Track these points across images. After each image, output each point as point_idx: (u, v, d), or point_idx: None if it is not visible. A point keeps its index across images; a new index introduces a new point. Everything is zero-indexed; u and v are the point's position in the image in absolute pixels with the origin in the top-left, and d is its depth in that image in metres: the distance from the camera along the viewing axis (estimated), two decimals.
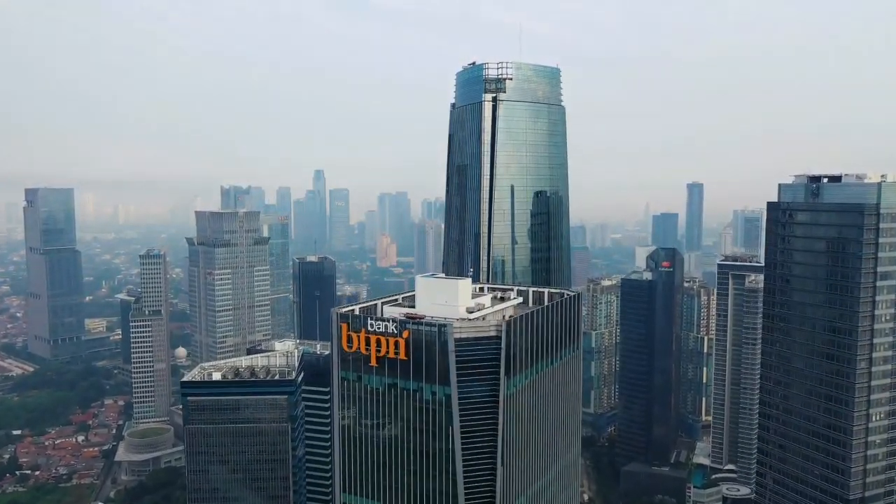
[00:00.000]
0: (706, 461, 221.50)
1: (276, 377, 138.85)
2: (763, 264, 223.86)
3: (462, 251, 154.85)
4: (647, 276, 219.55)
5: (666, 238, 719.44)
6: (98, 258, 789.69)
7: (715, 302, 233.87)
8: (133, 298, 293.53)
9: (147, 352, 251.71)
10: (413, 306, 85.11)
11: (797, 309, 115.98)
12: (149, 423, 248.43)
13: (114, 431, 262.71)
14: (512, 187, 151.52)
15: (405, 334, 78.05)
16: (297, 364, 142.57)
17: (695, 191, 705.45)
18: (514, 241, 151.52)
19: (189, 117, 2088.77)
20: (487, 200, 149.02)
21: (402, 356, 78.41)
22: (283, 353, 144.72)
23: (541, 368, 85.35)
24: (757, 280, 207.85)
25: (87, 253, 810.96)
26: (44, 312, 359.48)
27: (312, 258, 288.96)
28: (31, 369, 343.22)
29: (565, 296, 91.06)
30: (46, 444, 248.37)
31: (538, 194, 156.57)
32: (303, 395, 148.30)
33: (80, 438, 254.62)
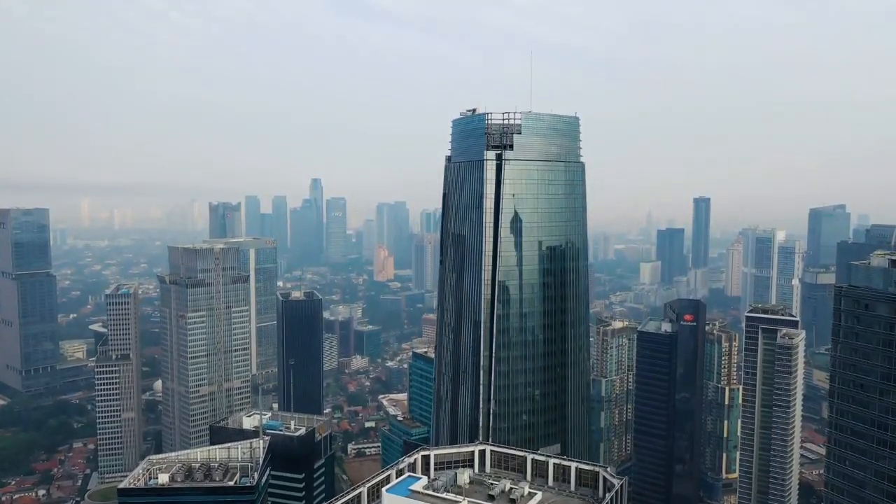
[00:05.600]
0: None
1: (237, 476, 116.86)
2: (797, 318, 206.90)
3: (459, 341, 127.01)
4: (666, 327, 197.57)
5: (672, 253, 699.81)
6: (88, 269, 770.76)
7: (739, 351, 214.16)
8: (107, 330, 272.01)
9: (113, 400, 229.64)
10: None
11: (873, 423, 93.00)
12: (115, 478, 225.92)
13: (79, 483, 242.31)
14: (520, 265, 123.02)
15: None
16: (261, 458, 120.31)
17: (702, 206, 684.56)
18: (523, 332, 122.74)
19: (187, 122, 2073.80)
20: (490, 283, 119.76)
21: None
22: (247, 446, 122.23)
23: None
24: (790, 335, 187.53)
25: (77, 263, 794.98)
26: (16, 341, 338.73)
27: (298, 294, 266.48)
28: (2, 403, 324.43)
29: (601, 483, 65.15)
30: (3, 499, 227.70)
31: (552, 272, 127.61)
32: (272, 483, 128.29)
33: (42, 493, 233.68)
